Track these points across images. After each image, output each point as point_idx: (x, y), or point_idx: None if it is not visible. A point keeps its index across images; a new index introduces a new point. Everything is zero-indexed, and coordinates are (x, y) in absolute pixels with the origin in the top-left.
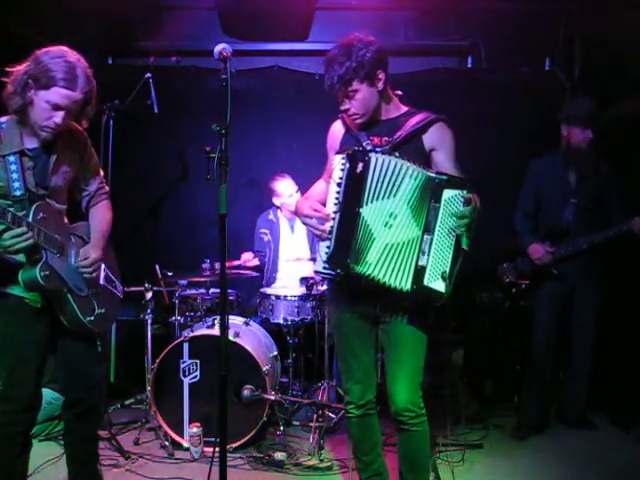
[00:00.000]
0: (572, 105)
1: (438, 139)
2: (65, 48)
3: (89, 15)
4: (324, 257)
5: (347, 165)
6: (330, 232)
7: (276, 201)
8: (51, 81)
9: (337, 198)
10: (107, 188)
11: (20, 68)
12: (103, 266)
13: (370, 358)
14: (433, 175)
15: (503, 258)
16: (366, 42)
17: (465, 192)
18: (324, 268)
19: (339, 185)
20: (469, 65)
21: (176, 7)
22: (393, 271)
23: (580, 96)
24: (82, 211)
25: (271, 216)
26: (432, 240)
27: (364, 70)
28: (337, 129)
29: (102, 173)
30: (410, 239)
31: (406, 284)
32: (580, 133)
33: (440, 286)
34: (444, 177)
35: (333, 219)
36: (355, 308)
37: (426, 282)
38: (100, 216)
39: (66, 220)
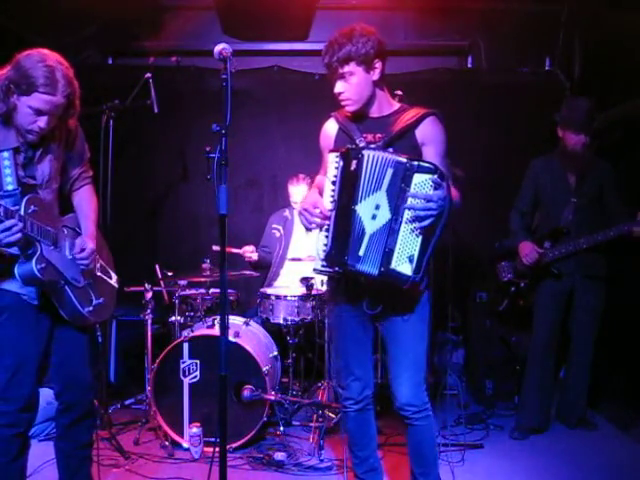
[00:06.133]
0: (568, 108)
1: (428, 134)
2: (45, 51)
3: (89, 15)
4: (322, 255)
5: (341, 163)
6: (327, 230)
7: (290, 200)
8: (31, 87)
9: (332, 196)
10: (91, 172)
11: (1, 73)
12: (97, 256)
13: (368, 355)
14: (404, 160)
15: (503, 258)
16: (367, 31)
17: (435, 177)
18: (322, 266)
19: (334, 183)
20: (469, 65)
21: (176, 7)
22: (369, 258)
23: (577, 98)
24: (69, 203)
25: (287, 213)
26: (400, 224)
27: (362, 53)
28: (330, 128)
29: (89, 155)
30: (383, 224)
31: (374, 268)
32: (574, 137)
33: (407, 269)
34: (415, 162)
35: (328, 217)
36: (354, 305)
37: (393, 265)
38: (88, 204)
39: (57, 212)
